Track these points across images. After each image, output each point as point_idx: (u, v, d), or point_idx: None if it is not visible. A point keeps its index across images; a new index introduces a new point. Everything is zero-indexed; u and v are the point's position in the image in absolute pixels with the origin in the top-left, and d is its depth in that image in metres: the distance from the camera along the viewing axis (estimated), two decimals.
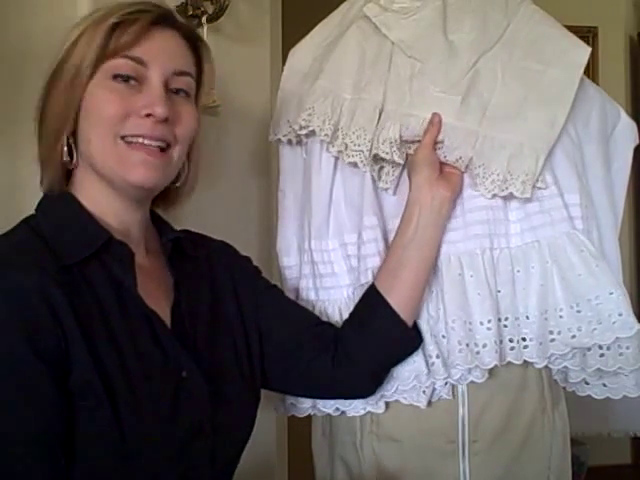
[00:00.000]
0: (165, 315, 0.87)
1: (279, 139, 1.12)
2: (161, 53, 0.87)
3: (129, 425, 0.77)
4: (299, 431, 1.34)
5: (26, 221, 0.86)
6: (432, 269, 1.00)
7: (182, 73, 0.89)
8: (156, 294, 0.88)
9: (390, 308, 0.98)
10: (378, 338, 0.99)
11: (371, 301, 1.00)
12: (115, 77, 0.85)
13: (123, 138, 0.84)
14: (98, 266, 0.83)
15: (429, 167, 1.00)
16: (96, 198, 0.88)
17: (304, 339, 1.01)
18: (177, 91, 0.89)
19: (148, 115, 0.84)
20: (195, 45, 0.93)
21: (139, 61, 0.85)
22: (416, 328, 1.00)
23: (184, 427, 0.83)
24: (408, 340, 1.00)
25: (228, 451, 0.91)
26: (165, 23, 0.88)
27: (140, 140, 0.85)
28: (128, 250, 0.85)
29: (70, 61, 0.85)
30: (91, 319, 0.78)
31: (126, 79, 0.85)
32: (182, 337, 0.87)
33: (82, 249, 0.82)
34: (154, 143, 0.85)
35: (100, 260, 0.83)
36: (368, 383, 1.01)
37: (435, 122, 1.00)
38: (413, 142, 1.01)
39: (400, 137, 1.00)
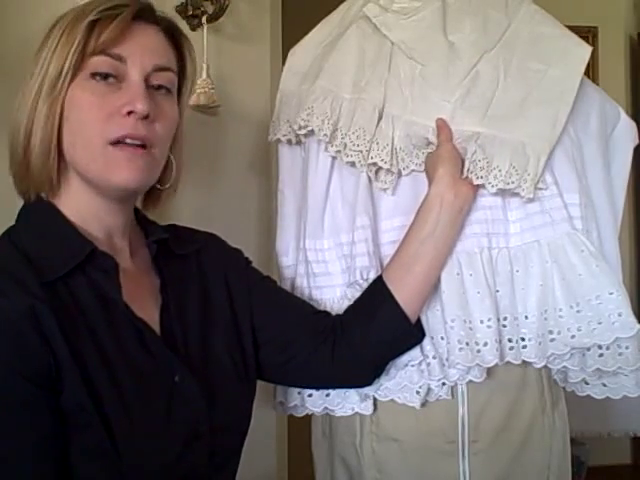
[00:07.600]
0: (153, 320, 0.86)
1: (278, 139, 1.11)
2: (141, 49, 0.84)
3: (123, 441, 0.77)
4: (299, 431, 1.34)
5: (7, 234, 0.84)
6: (443, 267, 0.98)
7: (163, 69, 0.86)
8: (143, 299, 0.87)
9: (396, 303, 0.97)
10: (381, 332, 0.98)
11: (377, 294, 0.99)
12: (93, 76, 0.82)
13: (111, 144, 0.82)
14: (82, 278, 0.81)
15: (453, 162, 0.97)
16: (78, 203, 0.86)
17: (301, 330, 1.00)
18: (158, 87, 0.86)
19: (129, 113, 0.82)
20: (176, 40, 0.91)
21: (118, 58, 0.82)
22: (419, 324, 1.00)
23: (181, 433, 0.82)
24: (410, 336, 0.99)
25: (227, 448, 0.91)
26: (145, 18, 0.86)
27: (126, 140, 0.82)
28: (112, 261, 0.83)
29: (51, 68, 0.82)
30: (79, 335, 0.77)
31: (104, 77, 0.83)
32: (172, 341, 0.86)
33: (65, 262, 0.80)
34: (137, 142, 0.83)
35: (84, 272, 0.81)
36: (367, 374, 1.01)
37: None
38: (427, 145, 1.01)
39: (402, 147, 1.00)
